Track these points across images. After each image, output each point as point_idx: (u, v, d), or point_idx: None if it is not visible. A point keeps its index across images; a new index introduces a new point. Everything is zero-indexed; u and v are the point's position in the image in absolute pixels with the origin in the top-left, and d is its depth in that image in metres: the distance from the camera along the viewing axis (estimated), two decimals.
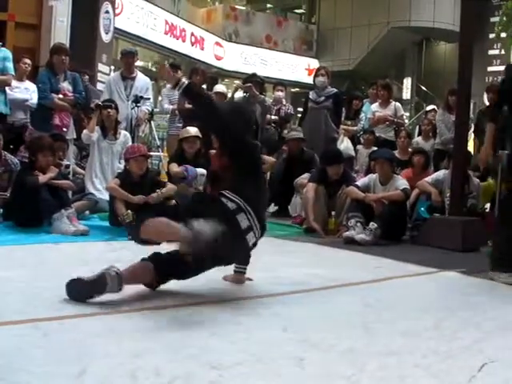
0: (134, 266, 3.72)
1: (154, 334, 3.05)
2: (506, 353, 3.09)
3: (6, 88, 8.21)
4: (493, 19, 22.59)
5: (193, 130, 8.08)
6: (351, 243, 6.90)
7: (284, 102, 10.94)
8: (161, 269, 3.75)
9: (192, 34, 21.05)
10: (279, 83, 11.35)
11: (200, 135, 8.10)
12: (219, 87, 10.97)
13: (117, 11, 14.89)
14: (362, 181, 7.85)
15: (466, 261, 5.88)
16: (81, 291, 3.50)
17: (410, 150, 9.41)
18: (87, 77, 10.24)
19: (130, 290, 3.64)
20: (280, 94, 10.89)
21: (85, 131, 8.19)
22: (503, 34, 21.01)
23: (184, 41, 20.61)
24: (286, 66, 24.15)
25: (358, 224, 7.10)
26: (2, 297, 3.59)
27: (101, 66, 12.81)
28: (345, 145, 9.72)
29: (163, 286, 3.85)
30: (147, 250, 3.82)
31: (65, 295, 3.53)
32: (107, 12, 13.15)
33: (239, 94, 9.39)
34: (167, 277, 3.83)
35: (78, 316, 3.28)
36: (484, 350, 3.09)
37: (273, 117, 10.09)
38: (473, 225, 7.06)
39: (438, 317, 3.73)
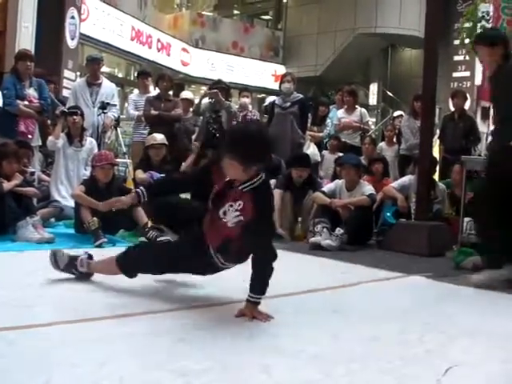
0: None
1: (120, 341, 3.03)
2: (470, 356, 3.12)
3: None
4: (457, 25, 22.82)
5: (159, 137, 8.06)
6: (318, 249, 6.92)
7: (250, 108, 10.95)
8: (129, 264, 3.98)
9: (158, 40, 20.99)
10: (245, 89, 11.35)
11: (166, 142, 8.08)
12: (186, 93, 10.95)
13: (82, 17, 14.81)
14: (328, 186, 7.88)
15: (431, 265, 5.93)
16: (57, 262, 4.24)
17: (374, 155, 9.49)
18: (52, 85, 10.12)
19: (97, 297, 3.62)
20: (246, 100, 10.90)
21: (50, 138, 8.14)
22: (467, 40, 21.23)
23: (150, 47, 20.54)
24: (252, 72, 24.16)
25: (325, 230, 7.12)
26: None
27: (66, 73, 12.74)
28: (311, 150, 9.74)
29: (133, 293, 3.84)
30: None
31: (29, 303, 3.50)
32: (73, 18, 13.08)
33: (205, 101, 9.37)
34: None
35: (42, 325, 3.25)
36: (449, 354, 3.12)
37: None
38: (438, 229, 7.12)
39: (403, 321, 3.75)
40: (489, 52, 5.51)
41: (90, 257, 4.28)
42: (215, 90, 9.01)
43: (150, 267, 3.96)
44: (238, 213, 3.58)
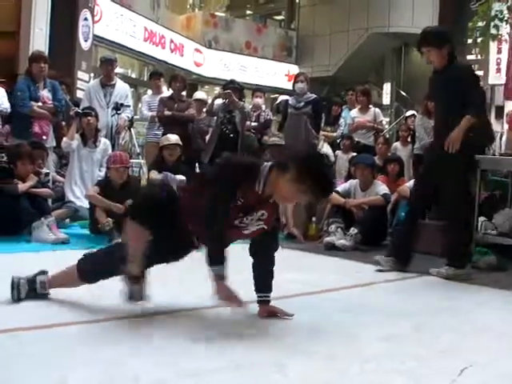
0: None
1: (134, 341, 3.04)
2: (485, 356, 3.12)
3: None
4: (470, 24, 22.73)
5: (173, 138, 8.07)
6: (332, 249, 6.93)
7: (263, 108, 10.95)
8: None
9: (171, 41, 21.00)
10: (258, 89, 11.35)
11: (180, 143, 8.10)
12: (199, 94, 10.95)
13: (96, 18, 14.85)
14: (342, 186, 7.87)
15: None
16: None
17: (388, 155, 9.44)
18: (64, 87, 10.14)
19: (112, 297, 3.62)
20: (259, 100, 10.90)
21: (64, 139, 8.17)
22: (481, 39, 21.14)
23: (163, 47, 20.56)
24: (265, 72, 24.14)
25: (339, 229, 7.13)
26: None
27: (80, 74, 12.78)
28: (324, 150, 9.72)
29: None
30: None
31: (44, 304, 3.51)
32: (86, 19, 13.12)
33: (219, 101, 9.37)
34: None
35: (57, 325, 3.26)
36: (463, 354, 3.12)
37: (252, 123, 10.09)
38: None
39: (417, 321, 3.75)
40: (438, 53, 5.53)
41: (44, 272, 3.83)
42: (228, 91, 9.01)
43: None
44: (261, 222, 3.52)
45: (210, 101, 9.88)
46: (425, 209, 6.10)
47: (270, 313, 3.58)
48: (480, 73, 20.30)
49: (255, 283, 3.64)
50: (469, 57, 21.79)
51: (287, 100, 9.69)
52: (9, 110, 8.73)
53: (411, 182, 8.01)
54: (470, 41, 21.12)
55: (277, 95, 20.62)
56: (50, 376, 2.52)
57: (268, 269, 3.63)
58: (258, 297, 3.65)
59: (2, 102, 8.61)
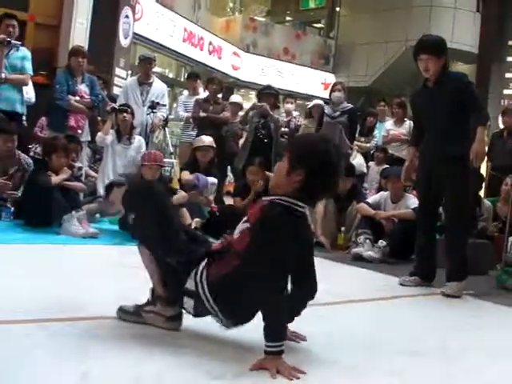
0: None
1: (158, 341, 3.05)
2: (508, 377, 3.09)
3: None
4: (511, 42, 22.59)
5: (207, 140, 8.11)
6: (359, 260, 6.91)
7: (294, 114, 10.96)
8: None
9: (210, 43, 21.08)
10: (288, 95, 11.35)
11: (214, 145, 8.13)
12: (235, 97, 11.00)
13: (136, 16, 14.95)
14: (373, 198, 7.85)
15: (474, 284, 5.85)
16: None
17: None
18: (101, 82, 10.22)
19: (140, 294, 3.64)
20: (289, 106, 10.93)
21: (99, 134, 8.23)
22: None
23: (202, 49, 20.64)
24: (302, 79, 24.13)
25: (367, 241, 7.10)
26: (8, 295, 3.61)
27: (118, 71, 12.87)
28: (357, 161, 9.71)
29: None
30: None
31: (71, 296, 3.54)
32: (127, 17, 13.21)
33: (253, 113, 9.39)
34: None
35: (85, 319, 3.29)
36: (487, 374, 3.09)
37: (283, 129, 10.09)
38: (483, 247, 7.04)
39: (442, 338, 3.72)
40: (436, 63, 5.43)
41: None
42: (264, 104, 9.05)
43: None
44: (245, 218, 3.09)
45: (244, 104, 9.92)
46: (434, 222, 6.03)
47: (259, 365, 2.80)
48: None
49: None
50: (507, 74, 21.70)
51: (323, 107, 9.70)
52: (33, 100, 8.84)
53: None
54: (510, 59, 21.04)
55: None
56: (72, 369, 2.53)
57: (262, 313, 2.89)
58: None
59: (27, 92, 8.69)
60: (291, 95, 11.58)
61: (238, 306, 3.03)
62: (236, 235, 3.06)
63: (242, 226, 3.06)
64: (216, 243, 3.24)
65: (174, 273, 3.06)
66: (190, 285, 3.02)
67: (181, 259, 3.06)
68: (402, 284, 5.59)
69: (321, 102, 10.17)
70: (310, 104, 10.52)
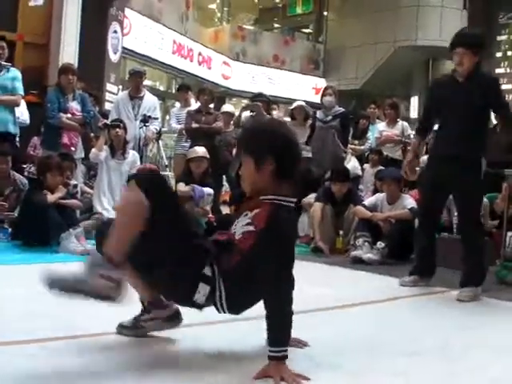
0: None
1: (159, 357, 3.05)
2: (511, 374, 3.09)
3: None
4: (499, 38, 22.67)
5: (200, 151, 8.12)
6: (358, 262, 6.92)
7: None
8: None
9: (199, 54, 21.11)
10: (273, 102, 11.29)
11: (207, 155, 8.13)
12: (227, 107, 11.01)
13: (125, 31, 14.96)
14: (369, 200, 7.87)
15: None
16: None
17: (417, 169, 9.36)
18: (92, 98, 10.23)
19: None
20: (274, 112, 10.93)
21: (93, 150, 8.23)
22: (510, 53, 21.08)
23: (191, 60, 20.66)
24: (293, 85, 24.15)
25: (366, 243, 7.11)
26: (8, 315, 3.61)
27: (109, 86, 12.90)
28: (352, 164, 9.71)
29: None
30: None
31: (73, 315, 3.53)
32: (115, 32, 13.25)
33: (246, 114, 9.40)
34: None
35: (86, 336, 3.28)
36: (491, 372, 3.09)
37: None
38: None
39: (444, 336, 3.72)
40: (472, 58, 5.26)
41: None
42: (257, 103, 9.04)
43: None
44: (248, 220, 3.02)
45: (237, 113, 9.92)
46: (436, 222, 6.01)
47: (263, 373, 2.78)
48: (509, 86, 20.24)
49: None
50: (498, 70, 21.75)
51: (305, 108, 9.72)
52: (28, 121, 8.86)
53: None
54: (499, 54, 21.10)
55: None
56: None
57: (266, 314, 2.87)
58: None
59: (22, 114, 8.71)
60: (276, 101, 11.51)
61: (244, 297, 3.05)
62: (238, 236, 3.02)
63: (243, 228, 3.01)
64: (216, 236, 3.21)
65: (188, 260, 2.97)
66: (207, 271, 2.97)
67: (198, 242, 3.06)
68: (402, 285, 5.59)
69: (303, 103, 10.11)
70: (293, 105, 10.43)
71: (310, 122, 9.51)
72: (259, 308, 2.90)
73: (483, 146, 5.34)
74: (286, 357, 2.79)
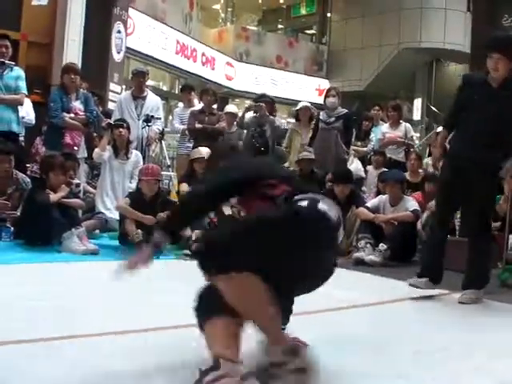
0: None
1: (163, 353, 3.05)
2: None
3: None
4: None
5: (204, 151, 8.11)
6: (361, 264, 6.92)
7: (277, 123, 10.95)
8: None
9: (203, 54, 21.12)
10: (280, 103, 11.25)
11: None
12: (230, 107, 10.99)
13: (128, 31, 14.99)
14: (372, 202, 7.86)
15: None
16: None
17: (420, 171, 9.37)
18: (95, 98, 10.22)
19: (144, 309, 3.64)
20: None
21: (96, 150, 8.23)
22: None
23: (195, 61, 20.67)
24: (296, 86, 24.15)
25: (368, 245, 7.11)
26: (9, 315, 3.61)
27: (112, 86, 12.90)
28: (355, 166, 9.69)
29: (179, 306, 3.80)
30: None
31: (76, 313, 3.53)
32: (119, 32, 13.25)
33: (250, 114, 9.40)
34: None
35: (89, 335, 3.28)
36: (495, 372, 3.09)
37: None
38: None
39: (449, 338, 3.72)
40: (505, 64, 5.10)
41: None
42: (260, 104, 9.04)
43: None
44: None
45: (240, 114, 9.92)
46: (450, 221, 5.98)
47: None
48: None
49: None
50: None
51: (311, 110, 9.71)
52: (33, 121, 8.85)
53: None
54: None
55: None
56: None
57: None
58: None
59: (28, 114, 8.71)
60: (282, 102, 11.53)
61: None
62: None
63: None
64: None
65: None
66: None
67: None
68: (411, 285, 5.41)
69: (308, 103, 10.08)
70: (298, 106, 10.36)
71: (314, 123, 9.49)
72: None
73: (504, 156, 5.29)
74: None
